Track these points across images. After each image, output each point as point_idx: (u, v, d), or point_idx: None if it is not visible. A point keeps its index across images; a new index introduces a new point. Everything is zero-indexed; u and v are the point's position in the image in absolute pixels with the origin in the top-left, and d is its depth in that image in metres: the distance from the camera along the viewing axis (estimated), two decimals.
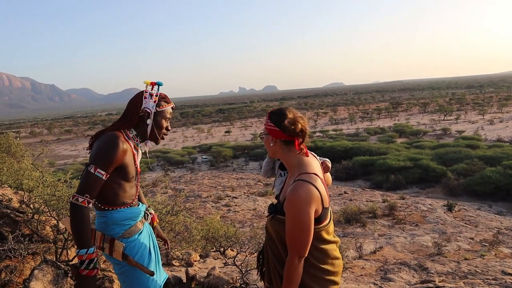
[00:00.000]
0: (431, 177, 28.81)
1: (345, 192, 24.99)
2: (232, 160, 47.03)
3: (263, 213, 19.60)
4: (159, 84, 2.32)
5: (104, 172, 2.07)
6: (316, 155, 2.22)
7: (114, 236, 2.20)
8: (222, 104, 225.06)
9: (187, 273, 4.46)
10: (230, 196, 24.24)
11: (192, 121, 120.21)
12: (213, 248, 6.98)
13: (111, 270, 4.02)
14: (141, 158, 2.44)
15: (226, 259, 6.27)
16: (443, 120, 72.27)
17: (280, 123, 1.99)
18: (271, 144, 2.04)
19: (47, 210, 3.85)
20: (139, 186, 2.52)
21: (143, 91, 2.31)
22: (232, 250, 6.97)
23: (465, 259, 9.00)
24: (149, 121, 2.27)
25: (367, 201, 22.13)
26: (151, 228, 2.51)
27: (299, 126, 1.97)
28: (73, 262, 3.64)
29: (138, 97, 2.29)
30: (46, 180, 3.98)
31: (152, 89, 2.31)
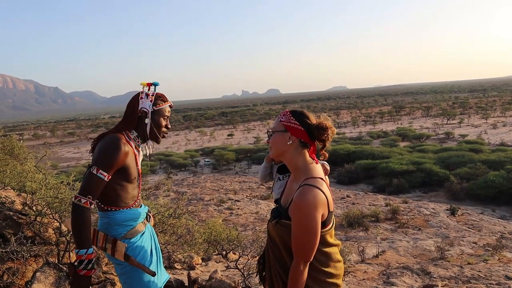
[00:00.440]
0: (434, 181, 28.73)
1: (347, 196, 24.92)
2: (234, 164, 47.03)
3: (266, 216, 19.57)
4: (155, 84, 2.35)
5: (106, 174, 2.09)
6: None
7: (117, 237, 2.21)
8: (225, 107, 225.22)
9: (189, 276, 4.46)
10: (233, 199, 24.23)
11: (195, 124, 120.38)
12: (215, 251, 6.97)
13: (113, 273, 4.02)
14: (143, 160, 2.45)
15: (228, 263, 6.26)
16: (446, 124, 72.12)
17: (307, 123, 1.95)
18: (288, 143, 1.96)
19: (49, 213, 3.85)
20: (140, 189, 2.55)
21: (139, 92, 2.34)
22: (234, 254, 6.95)
23: (468, 263, 8.96)
24: (147, 121, 2.29)
25: (370, 205, 22.07)
26: (153, 230, 2.52)
27: (330, 134, 1.96)
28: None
29: (135, 99, 2.32)
30: (49, 183, 3.99)
31: (148, 89, 2.34)
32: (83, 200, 2.04)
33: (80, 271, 2.02)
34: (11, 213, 3.81)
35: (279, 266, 2.02)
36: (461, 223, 17.46)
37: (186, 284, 4.33)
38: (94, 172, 2.07)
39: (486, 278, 7.30)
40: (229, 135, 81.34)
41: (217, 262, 6.49)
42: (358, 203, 22.59)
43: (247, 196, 26.34)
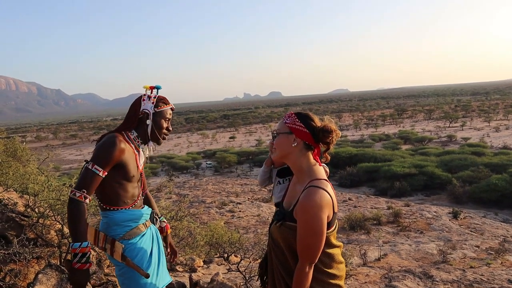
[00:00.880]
0: (436, 184, 28.68)
1: (349, 199, 24.89)
2: (236, 166, 47.04)
3: (267, 219, 19.55)
4: (157, 88, 2.41)
5: (101, 169, 2.13)
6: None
7: (115, 237, 2.24)
8: (226, 110, 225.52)
9: (190, 278, 4.46)
10: (234, 202, 24.22)
11: (196, 126, 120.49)
12: (217, 254, 6.96)
13: (114, 275, 4.03)
14: (144, 162, 2.48)
15: (229, 265, 6.25)
16: (449, 127, 72.01)
17: (314, 127, 1.97)
18: (293, 145, 1.98)
19: (52, 215, 3.86)
20: (147, 191, 2.58)
21: (142, 94, 2.41)
22: (236, 256, 6.95)
23: (471, 267, 8.93)
24: (148, 122, 2.34)
25: (372, 208, 22.02)
26: (158, 232, 2.54)
27: (335, 137, 1.97)
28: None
29: (137, 101, 2.40)
30: (51, 185, 4.00)
31: (151, 92, 2.40)
32: (77, 194, 2.08)
33: (74, 264, 2.03)
34: (14, 214, 3.81)
35: (282, 269, 2.02)
36: (463, 227, 17.40)
37: (188, 286, 4.33)
38: (89, 167, 2.12)
39: (488, 282, 7.27)
40: (231, 137, 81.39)
41: (219, 265, 6.48)
42: (360, 206, 22.54)
43: (248, 198, 26.33)
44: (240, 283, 4.57)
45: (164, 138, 2.44)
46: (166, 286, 2.43)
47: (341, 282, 2.04)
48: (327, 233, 1.93)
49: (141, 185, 2.42)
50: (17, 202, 4.07)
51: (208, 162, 50.57)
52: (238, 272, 5.14)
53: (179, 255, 5.89)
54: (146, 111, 2.34)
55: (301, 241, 1.89)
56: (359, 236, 15.82)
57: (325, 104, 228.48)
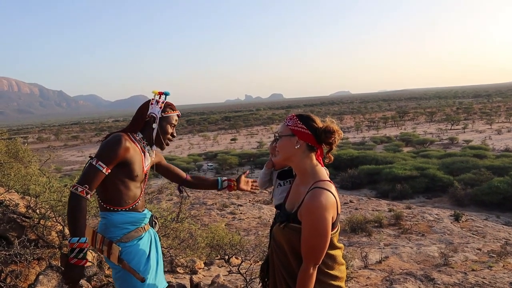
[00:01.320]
0: (437, 187, 28.61)
1: (350, 201, 24.84)
2: (237, 168, 46.99)
3: (268, 221, 19.52)
4: (166, 94, 2.44)
5: (104, 166, 2.15)
6: None
7: (113, 239, 2.23)
8: (228, 112, 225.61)
9: (191, 280, 4.45)
10: (235, 203, 24.19)
11: (198, 128, 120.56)
12: (217, 256, 6.95)
13: None
14: (151, 164, 2.51)
15: (230, 267, 6.25)
16: (450, 129, 71.91)
17: (314, 127, 1.97)
18: (296, 147, 1.98)
19: (53, 216, 3.87)
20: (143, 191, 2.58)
21: (151, 98, 2.45)
22: (237, 258, 6.94)
23: (473, 270, 8.90)
24: (154, 125, 2.37)
25: (373, 210, 21.98)
26: (157, 236, 2.53)
27: (337, 137, 1.98)
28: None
29: (145, 104, 2.43)
30: (53, 186, 4.00)
31: (159, 97, 2.43)
32: (79, 189, 2.09)
33: (71, 259, 2.03)
34: (15, 216, 3.82)
35: (284, 271, 2.01)
36: (465, 229, 17.35)
37: None
38: (93, 163, 2.15)
39: (490, 285, 7.25)
40: (232, 139, 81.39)
41: (220, 267, 6.48)
42: (361, 208, 22.50)
43: (250, 200, 26.30)
44: (241, 285, 4.57)
45: (167, 144, 2.46)
46: None
47: (342, 284, 2.04)
48: (331, 234, 1.93)
49: (143, 186, 2.42)
50: (18, 203, 4.07)
51: (209, 164, 50.57)
52: (239, 274, 5.14)
53: (180, 257, 5.89)
54: (153, 115, 2.38)
55: (306, 243, 1.89)
56: (360, 239, 15.78)
57: (327, 106, 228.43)
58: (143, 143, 2.38)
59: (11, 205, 3.98)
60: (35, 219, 3.88)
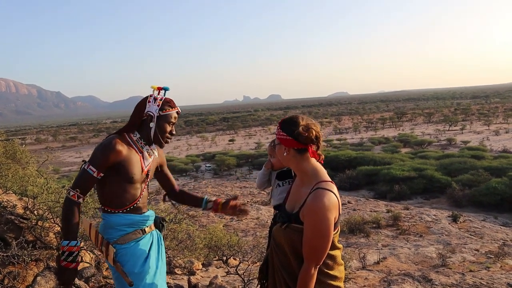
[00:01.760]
0: (435, 188, 28.63)
1: (348, 202, 24.86)
2: (235, 169, 46.97)
3: (266, 222, 19.52)
4: (165, 89, 2.37)
5: (95, 170, 2.15)
6: None
7: (110, 241, 2.22)
8: (226, 113, 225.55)
9: (189, 281, 4.45)
10: None
11: (196, 129, 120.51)
12: (215, 257, 6.95)
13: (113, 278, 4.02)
14: (153, 162, 2.46)
15: (228, 268, 6.25)
16: (448, 130, 72.06)
17: (293, 131, 1.97)
18: (284, 154, 2.01)
19: (51, 217, 3.86)
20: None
21: (149, 95, 2.37)
22: (235, 259, 6.94)
23: (470, 271, 8.92)
24: (152, 125, 2.31)
25: (371, 211, 22.00)
26: (161, 238, 2.50)
27: (313, 132, 1.97)
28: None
29: (143, 101, 2.36)
30: (51, 187, 4.00)
31: (158, 93, 2.36)
32: (71, 193, 2.11)
33: (61, 261, 2.05)
34: (13, 217, 3.81)
35: (285, 272, 2.01)
36: (463, 230, 17.39)
37: None
38: (85, 167, 2.17)
39: (488, 286, 7.27)
40: (230, 140, 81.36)
41: (218, 268, 6.48)
42: (359, 209, 22.52)
43: (248, 201, 26.30)
44: (238, 286, 4.57)
45: (167, 142, 2.42)
46: None
47: (341, 284, 2.05)
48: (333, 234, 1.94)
49: (145, 186, 2.38)
50: (16, 204, 4.07)
51: (207, 165, 50.53)
52: (237, 275, 5.14)
53: (178, 258, 5.88)
54: (151, 113, 2.31)
55: (308, 243, 1.89)
56: (358, 240, 15.80)
57: (325, 107, 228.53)
58: (141, 143, 2.33)
59: (8, 206, 3.97)
60: (33, 221, 3.88)
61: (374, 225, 18.09)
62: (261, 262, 2.36)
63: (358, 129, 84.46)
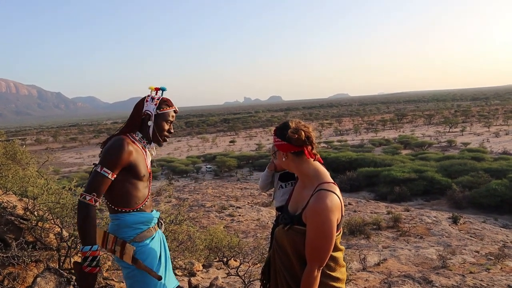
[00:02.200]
0: (436, 189, 28.64)
1: (349, 204, 24.84)
2: (236, 170, 47.00)
3: (267, 223, 19.52)
4: (162, 89, 2.45)
5: (110, 172, 2.15)
6: None
7: (126, 240, 2.24)
8: (227, 114, 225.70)
9: (189, 283, 4.45)
10: (234, 206, 24.17)
11: (197, 130, 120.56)
12: (216, 258, 6.94)
13: (113, 278, 4.01)
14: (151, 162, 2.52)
15: (229, 270, 6.24)
16: (448, 132, 72.07)
17: (285, 135, 1.99)
18: (283, 159, 2.04)
19: (51, 218, 3.86)
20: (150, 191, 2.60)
21: (146, 95, 2.43)
22: (235, 261, 6.94)
23: (470, 272, 8.91)
24: (150, 123, 2.37)
25: (372, 212, 21.99)
26: (164, 237, 2.55)
27: (303, 133, 1.97)
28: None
29: (141, 101, 2.42)
30: (51, 188, 3.99)
31: (156, 93, 2.43)
32: (87, 197, 2.09)
33: (85, 268, 2.05)
34: (13, 218, 3.81)
35: (287, 273, 2.01)
36: (463, 232, 17.37)
37: None
38: (99, 170, 2.15)
39: (488, 287, 7.26)
40: (231, 141, 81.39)
41: (218, 269, 6.47)
42: (359, 211, 22.51)
43: (248, 203, 26.28)
44: (239, 287, 4.56)
45: (165, 140, 2.46)
46: None
47: (343, 286, 2.05)
48: (336, 236, 1.93)
49: (150, 185, 2.44)
50: (16, 205, 4.06)
51: (208, 166, 50.55)
52: (238, 277, 5.13)
53: (178, 259, 5.87)
54: (148, 112, 2.37)
55: (310, 245, 1.89)
56: (359, 241, 15.78)
57: (325, 108, 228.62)
58: (143, 142, 2.39)
59: (8, 207, 3.97)
60: (33, 221, 3.87)
61: (375, 227, 18.08)
62: (263, 264, 2.36)
63: (359, 131, 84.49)
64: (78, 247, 3.81)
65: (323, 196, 1.88)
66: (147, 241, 2.30)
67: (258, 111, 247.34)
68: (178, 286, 2.50)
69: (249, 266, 5.68)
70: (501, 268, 10.07)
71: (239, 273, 5.06)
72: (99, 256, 2.08)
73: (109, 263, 4.23)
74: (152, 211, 2.43)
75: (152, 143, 2.44)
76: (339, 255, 2.03)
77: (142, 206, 2.32)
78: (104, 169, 2.14)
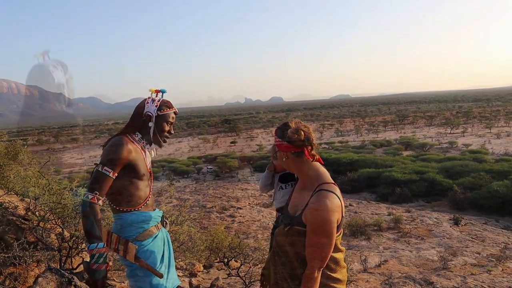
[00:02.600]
0: (437, 191, 28.59)
1: (350, 205, 24.84)
2: (237, 171, 46.98)
3: (268, 224, 19.52)
4: (162, 91, 2.50)
5: (111, 170, 2.20)
6: None
7: (129, 238, 2.29)
8: (228, 115, 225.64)
9: (190, 283, 4.45)
10: (235, 206, 24.18)
11: (198, 131, 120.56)
12: (217, 259, 6.94)
13: (114, 279, 4.02)
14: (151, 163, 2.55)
15: (229, 270, 6.24)
16: (450, 133, 71.96)
17: (285, 135, 2.00)
18: (284, 159, 2.05)
19: (52, 218, 3.87)
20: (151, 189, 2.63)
21: (147, 97, 2.48)
22: (236, 261, 6.93)
23: (472, 274, 8.90)
24: (150, 124, 2.42)
25: (373, 213, 21.98)
26: (168, 235, 2.59)
27: (302, 133, 1.98)
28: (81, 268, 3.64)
29: (142, 103, 2.47)
30: (52, 188, 4.00)
31: (156, 95, 2.48)
32: (90, 196, 2.14)
33: (93, 265, 2.09)
34: (14, 218, 3.82)
35: (287, 274, 2.01)
36: (464, 233, 17.35)
37: None
38: (100, 169, 2.19)
39: None
40: (232, 142, 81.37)
41: (219, 270, 6.47)
42: (360, 212, 22.50)
43: (249, 203, 26.29)
44: None
45: (165, 141, 2.51)
46: None
47: (344, 287, 2.05)
48: (336, 237, 1.93)
49: (151, 184, 2.49)
50: (17, 206, 4.07)
51: (209, 167, 50.54)
52: (238, 277, 5.13)
53: (179, 259, 5.88)
54: (149, 113, 2.42)
55: (311, 245, 1.89)
56: (360, 242, 15.77)
57: (327, 109, 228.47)
58: (143, 142, 2.44)
59: (10, 207, 3.98)
60: (34, 222, 3.88)
61: (376, 228, 18.08)
62: (263, 265, 2.36)
63: (360, 132, 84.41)
64: (80, 247, 3.82)
65: (323, 196, 1.88)
66: (150, 240, 2.34)
67: (259, 112, 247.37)
68: (179, 286, 2.52)
69: (250, 267, 5.68)
70: (503, 269, 10.06)
71: (240, 274, 5.06)
72: (105, 253, 2.12)
73: (110, 263, 4.23)
74: (154, 210, 2.47)
75: (153, 144, 2.47)
76: (339, 256, 2.02)
77: (144, 205, 2.36)
78: (105, 168, 2.19)
